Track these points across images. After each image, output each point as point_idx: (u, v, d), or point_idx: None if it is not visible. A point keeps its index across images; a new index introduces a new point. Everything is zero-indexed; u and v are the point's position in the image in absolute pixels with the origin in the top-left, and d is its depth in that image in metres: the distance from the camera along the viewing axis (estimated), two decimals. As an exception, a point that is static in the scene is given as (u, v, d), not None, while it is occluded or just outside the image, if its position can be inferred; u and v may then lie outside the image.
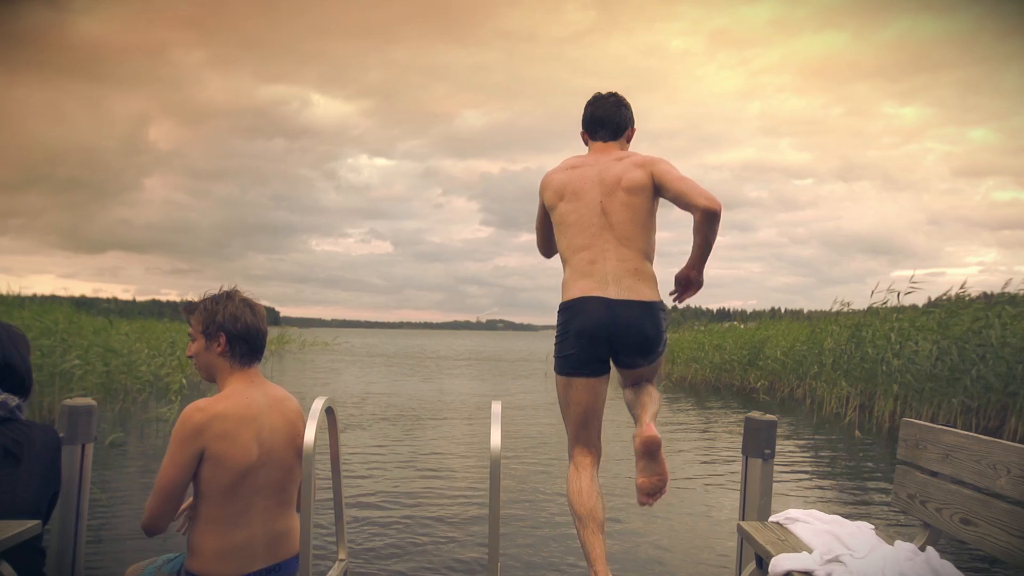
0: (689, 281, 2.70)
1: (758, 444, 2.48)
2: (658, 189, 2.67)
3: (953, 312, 13.62)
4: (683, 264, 2.68)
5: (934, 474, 2.30)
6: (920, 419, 10.14)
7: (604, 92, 2.95)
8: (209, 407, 2.12)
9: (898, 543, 2.08)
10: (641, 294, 2.59)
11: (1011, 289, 13.87)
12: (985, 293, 14.09)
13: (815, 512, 2.14)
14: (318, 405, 2.23)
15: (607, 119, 2.90)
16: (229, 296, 2.28)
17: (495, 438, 2.23)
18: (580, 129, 2.99)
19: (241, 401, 2.18)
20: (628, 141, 2.95)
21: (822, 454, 10.11)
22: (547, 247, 3.02)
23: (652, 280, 2.65)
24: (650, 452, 2.44)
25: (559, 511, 6.40)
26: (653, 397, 2.67)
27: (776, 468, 8.43)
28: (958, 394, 11.83)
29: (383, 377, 22.81)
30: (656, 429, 2.45)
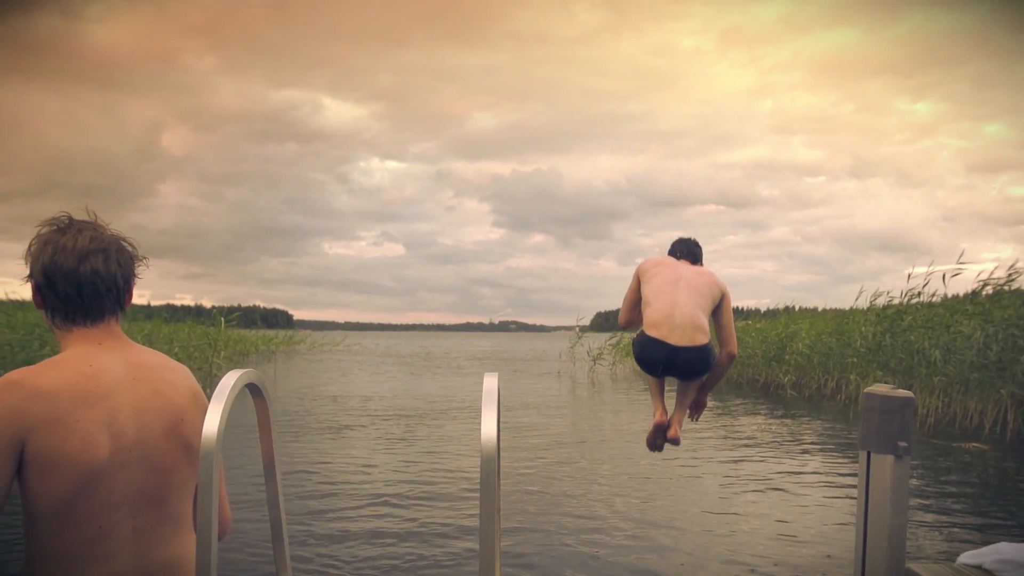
0: (700, 404, 3.88)
1: (888, 433, 1.65)
2: (718, 306, 3.74)
3: (997, 299, 12.71)
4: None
5: None
6: (969, 414, 9.17)
7: (686, 237, 4.03)
8: (27, 380, 1.36)
9: None
10: (697, 341, 3.55)
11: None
12: (1003, 289, 13.09)
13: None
14: (229, 380, 1.40)
15: (689, 251, 3.93)
16: (61, 228, 1.50)
17: (488, 422, 1.36)
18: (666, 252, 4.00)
19: (79, 370, 1.41)
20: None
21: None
22: (628, 317, 3.95)
23: (707, 333, 3.60)
24: (670, 441, 3.75)
25: (570, 528, 5.60)
26: (691, 392, 3.81)
27: (843, 475, 7.42)
28: (1007, 385, 10.90)
29: (393, 376, 22.06)
30: (680, 431, 3.71)
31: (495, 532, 1.31)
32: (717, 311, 3.73)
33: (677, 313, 3.56)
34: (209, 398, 1.33)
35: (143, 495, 1.46)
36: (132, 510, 1.45)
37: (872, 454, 1.71)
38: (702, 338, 3.55)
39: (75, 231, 1.48)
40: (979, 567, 1.41)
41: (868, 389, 1.72)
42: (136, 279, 1.62)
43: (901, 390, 1.70)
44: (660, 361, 3.59)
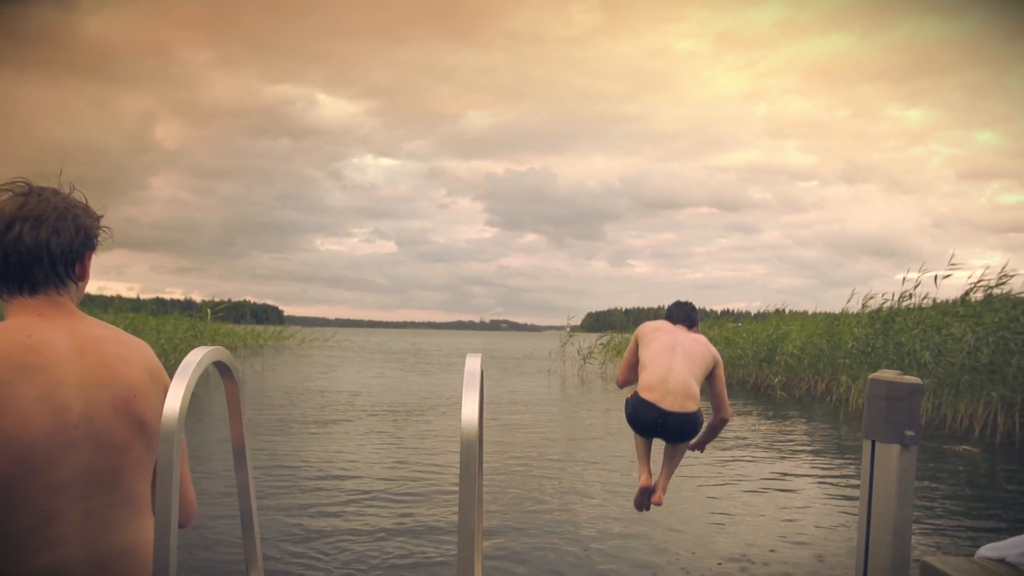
0: (698, 449, 4.13)
1: (895, 421, 1.56)
2: (711, 373, 3.98)
3: (988, 302, 12.71)
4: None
5: None
6: (959, 416, 9.14)
7: (683, 300, 4.34)
8: None
9: None
10: (688, 408, 3.81)
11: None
12: (993, 292, 13.10)
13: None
14: (195, 357, 1.28)
15: (685, 316, 4.20)
16: (14, 195, 1.41)
17: (469, 405, 1.25)
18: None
19: (15, 340, 1.30)
20: (696, 331, 4.22)
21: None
22: (626, 377, 4.24)
23: (698, 400, 3.85)
24: (655, 503, 3.99)
25: (559, 526, 5.51)
26: (678, 456, 4.07)
27: (838, 479, 7.30)
28: (998, 387, 10.88)
29: (382, 372, 21.92)
30: (664, 495, 3.97)
31: (475, 522, 1.20)
32: (711, 378, 4.01)
33: (671, 379, 3.82)
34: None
35: (93, 476, 1.35)
36: (82, 492, 1.34)
37: (877, 444, 1.62)
38: (692, 405, 3.84)
39: (12, 197, 1.38)
40: (1002, 560, 1.33)
41: (874, 375, 1.63)
42: (90, 252, 1.51)
43: (909, 376, 1.61)
44: (651, 423, 3.87)
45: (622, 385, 4.34)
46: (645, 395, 3.86)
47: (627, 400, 4.03)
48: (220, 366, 1.39)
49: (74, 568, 1.33)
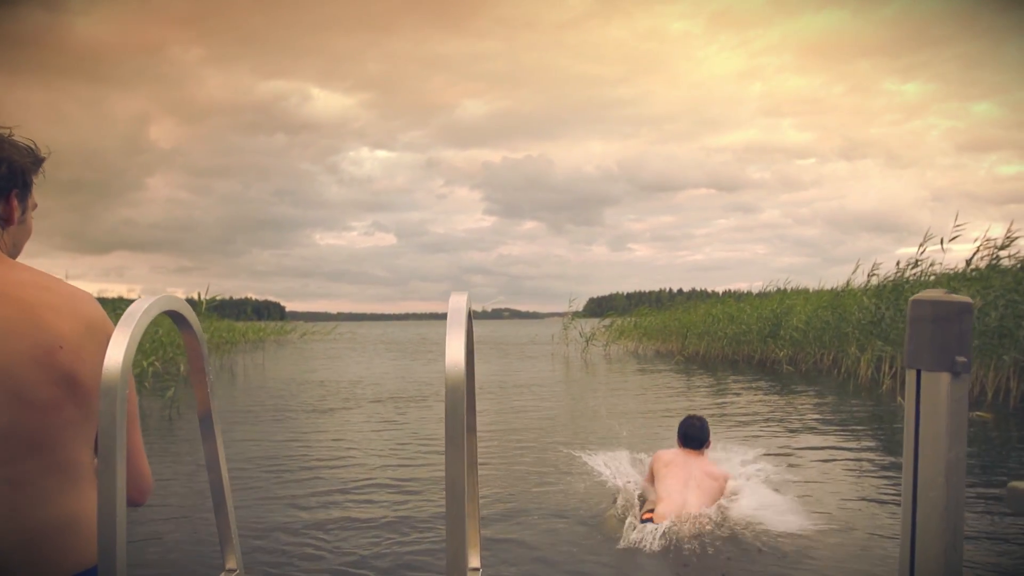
0: None
1: (943, 346, 1.35)
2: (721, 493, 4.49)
3: (995, 266, 12.48)
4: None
5: None
6: (972, 379, 8.94)
7: (694, 416, 4.78)
8: None
9: None
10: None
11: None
12: (995, 257, 12.85)
13: None
14: (141, 305, 1.07)
15: (696, 437, 4.65)
16: None
17: (454, 344, 1.03)
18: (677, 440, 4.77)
19: None
20: (707, 448, 4.74)
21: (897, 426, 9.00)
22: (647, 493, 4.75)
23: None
24: None
25: (565, 505, 5.34)
26: None
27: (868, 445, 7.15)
28: (1009, 351, 10.67)
29: (382, 361, 21.76)
30: None
31: (465, 482, 1.00)
32: (723, 496, 4.49)
33: (684, 515, 4.20)
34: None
35: (15, 438, 1.16)
36: (2, 456, 1.15)
37: (923, 373, 1.41)
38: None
39: None
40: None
41: (916, 296, 1.42)
42: (17, 191, 1.31)
43: (957, 295, 1.40)
44: None
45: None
46: (660, 523, 4.19)
47: (642, 519, 4.37)
48: (175, 317, 1.18)
49: (0, 540, 1.14)
